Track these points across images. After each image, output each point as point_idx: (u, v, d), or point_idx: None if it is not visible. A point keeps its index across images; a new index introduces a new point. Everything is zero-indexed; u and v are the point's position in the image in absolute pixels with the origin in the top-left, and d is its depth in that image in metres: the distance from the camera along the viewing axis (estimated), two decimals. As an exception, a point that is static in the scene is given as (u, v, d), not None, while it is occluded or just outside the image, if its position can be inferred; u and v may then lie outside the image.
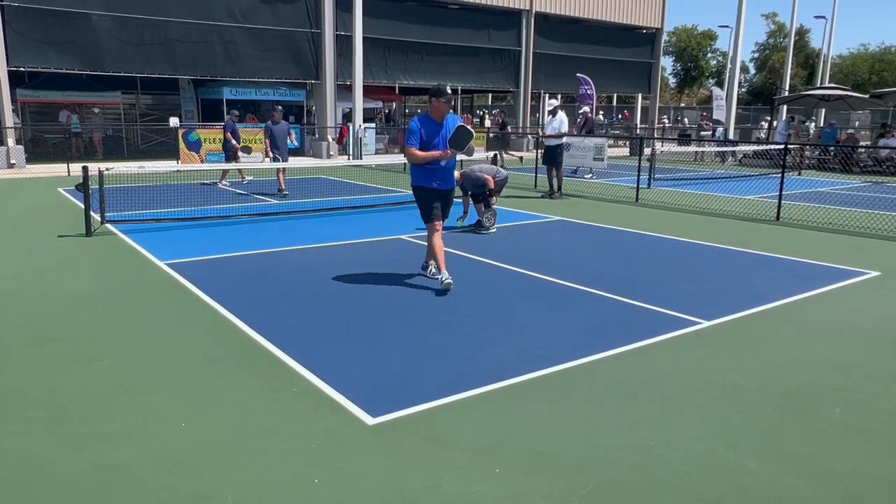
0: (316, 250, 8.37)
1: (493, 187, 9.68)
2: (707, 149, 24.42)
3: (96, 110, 23.10)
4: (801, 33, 56.47)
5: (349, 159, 20.86)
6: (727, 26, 49.31)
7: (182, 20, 20.37)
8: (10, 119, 18.25)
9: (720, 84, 44.86)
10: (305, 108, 25.66)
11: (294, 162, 14.63)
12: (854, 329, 5.49)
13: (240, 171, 15.75)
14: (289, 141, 13.96)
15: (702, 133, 26.92)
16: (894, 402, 4.11)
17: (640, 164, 14.54)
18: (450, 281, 6.32)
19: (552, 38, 29.66)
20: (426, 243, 6.69)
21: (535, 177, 16.25)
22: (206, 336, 5.14)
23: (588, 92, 25.82)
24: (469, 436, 3.59)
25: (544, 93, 34.36)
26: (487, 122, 36.82)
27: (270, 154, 13.66)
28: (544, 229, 10.22)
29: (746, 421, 3.82)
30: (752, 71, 65.58)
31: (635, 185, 13.86)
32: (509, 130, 17.85)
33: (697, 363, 4.68)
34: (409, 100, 46.81)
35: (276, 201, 12.72)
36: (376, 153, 23.08)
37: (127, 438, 3.53)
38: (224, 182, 15.24)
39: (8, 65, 17.91)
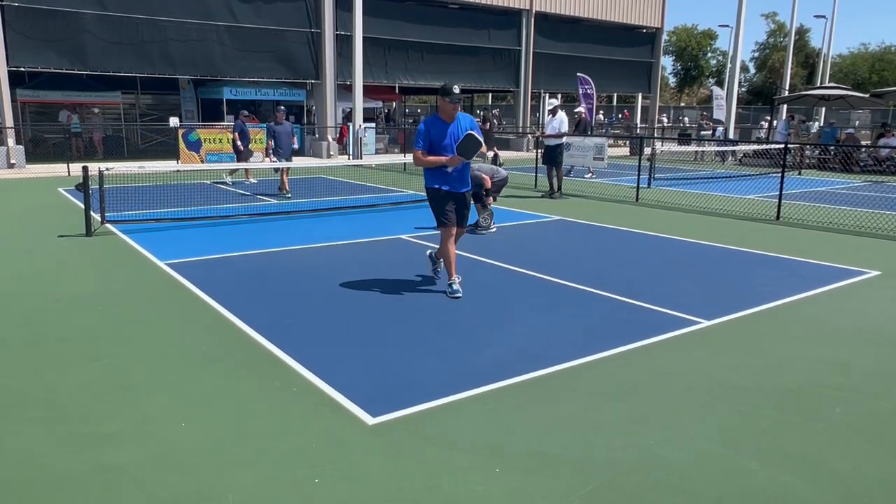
0: (316, 250, 8.37)
1: (489, 187, 9.67)
2: (707, 148, 24.42)
3: (96, 110, 23.10)
4: (801, 33, 56.48)
5: (349, 159, 20.87)
6: (727, 26, 49.38)
7: (182, 20, 20.36)
8: (10, 119, 18.26)
9: (720, 83, 44.85)
10: (305, 108, 25.67)
11: (294, 162, 14.60)
12: (854, 329, 5.49)
13: (245, 170, 15.80)
14: (293, 142, 13.83)
15: (702, 132, 26.92)
16: (894, 402, 4.10)
17: (640, 163, 14.54)
18: (459, 292, 6.15)
19: (552, 37, 29.65)
20: (429, 243, 6.49)
21: (535, 177, 16.26)
22: (206, 336, 5.14)
23: (588, 91, 25.81)
24: (469, 436, 3.59)
25: (544, 92, 34.36)
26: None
27: (271, 156, 13.59)
28: (544, 229, 10.22)
29: (746, 421, 3.82)
30: (752, 70, 65.62)
31: (635, 185, 13.85)
32: (488, 127, 17.83)
33: (698, 363, 4.68)
34: (409, 100, 46.85)
35: (276, 201, 12.72)
36: (376, 153, 23.10)
37: (127, 438, 3.53)
38: (246, 179, 15.70)
39: (8, 65, 17.90)
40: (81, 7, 18.73)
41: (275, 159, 13.51)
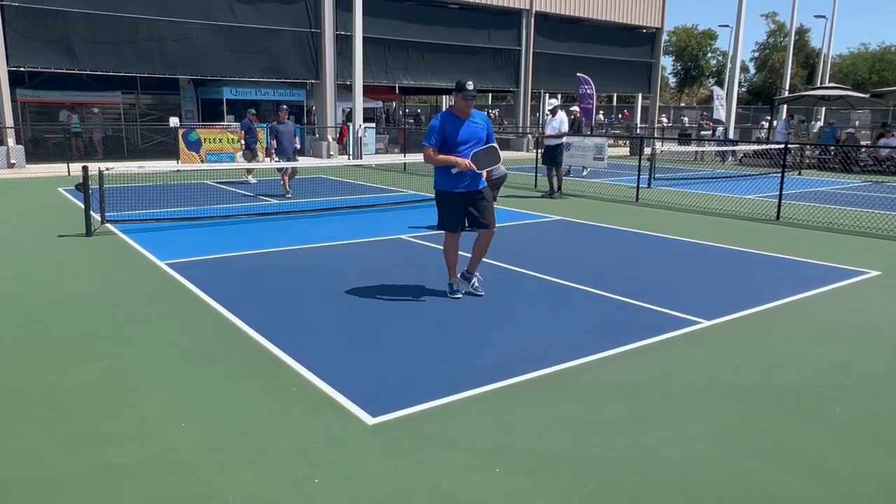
0: (316, 250, 8.37)
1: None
2: (707, 148, 24.42)
3: (96, 110, 23.09)
4: (801, 33, 56.46)
5: (349, 159, 20.86)
6: (727, 26, 49.36)
7: (182, 20, 20.36)
8: (10, 119, 18.26)
9: (720, 83, 44.84)
10: (305, 108, 25.67)
11: (297, 161, 14.59)
12: (854, 329, 5.49)
13: (247, 170, 15.81)
14: (295, 142, 13.73)
15: (702, 133, 26.93)
16: (894, 402, 4.10)
17: (640, 163, 14.54)
18: (459, 293, 6.14)
19: (552, 37, 29.65)
20: (443, 247, 6.23)
21: (536, 177, 16.26)
22: (206, 336, 5.14)
23: (588, 91, 25.82)
24: (469, 436, 3.59)
25: (544, 92, 34.36)
26: None
27: (273, 156, 13.57)
28: (544, 229, 10.22)
29: (746, 421, 3.82)
30: (752, 70, 65.60)
31: (635, 185, 13.86)
32: None
33: (698, 363, 4.68)
34: (409, 100, 46.84)
35: (276, 201, 12.72)
36: (376, 153, 23.09)
37: (127, 438, 3.53)
38: (247, 179, 15.84)
39: (8, 65, 17.90)
40: (81, 7, 18.72)
41: (276, 159, 13.49)
